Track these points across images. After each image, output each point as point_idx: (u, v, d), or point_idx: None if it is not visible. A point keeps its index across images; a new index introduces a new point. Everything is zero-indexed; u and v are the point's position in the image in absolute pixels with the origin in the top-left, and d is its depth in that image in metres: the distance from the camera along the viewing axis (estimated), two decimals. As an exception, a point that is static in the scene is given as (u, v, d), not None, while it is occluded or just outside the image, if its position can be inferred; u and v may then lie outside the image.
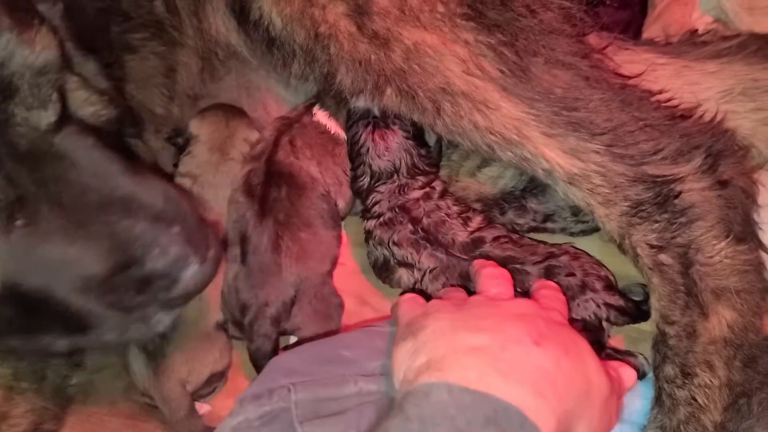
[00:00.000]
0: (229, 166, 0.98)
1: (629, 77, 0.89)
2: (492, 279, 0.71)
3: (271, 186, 0.93)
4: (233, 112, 1.02)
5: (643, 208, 0.79)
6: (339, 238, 0.97)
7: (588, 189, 0.80)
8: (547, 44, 0.82)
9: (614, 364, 0.68)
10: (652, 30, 1.07)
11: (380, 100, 0.85)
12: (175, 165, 1.00)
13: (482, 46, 0.81)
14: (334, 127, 1.01)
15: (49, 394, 0.85)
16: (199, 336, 0.89)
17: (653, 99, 0.86)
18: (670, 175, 0.79)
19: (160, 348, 0.86)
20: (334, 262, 0.96)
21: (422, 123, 0.87)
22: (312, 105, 1.02)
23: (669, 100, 0.87)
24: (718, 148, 0.81)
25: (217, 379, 0.88)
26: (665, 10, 1.07)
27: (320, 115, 1.01)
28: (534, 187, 0.94)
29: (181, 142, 1.00)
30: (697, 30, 1.04)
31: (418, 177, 0.93)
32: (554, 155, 0.80)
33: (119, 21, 0.90)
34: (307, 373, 0.64)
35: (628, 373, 0.69)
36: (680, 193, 0.79)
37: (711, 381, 0.75)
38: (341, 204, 0.99)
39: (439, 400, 0.52)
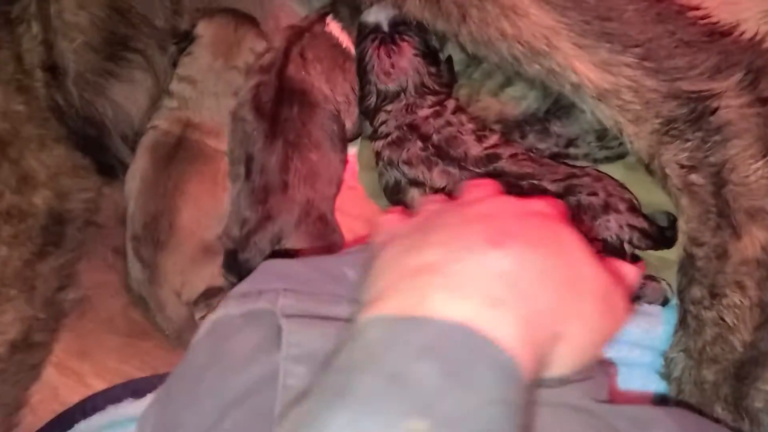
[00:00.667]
0: (232, 75, 0.93)
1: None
2: (472, 186, 0.56)
3: (283, 104, 0.89)
4: (244, 18, 0.97)
5: (676, 125, 0.74)
6: (345, 161, 0.94)
7: (618, 105, 0.75)
8: None
9: (613, 260, 0.56)
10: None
11: (402, 5, 0.80)
12: (174, 65, 0.94)
13: None
14: (345, 40, 0.95)
15: (39, 304, 0.83)
16: (195, 246, 0.85)
17: (690, 14, 0.79)
18: (706, 90, 0.73)
19: (153, 255, 0.83)
20: (340, 186, 0.92)
21: (446, 31, 0.81)
22: (325, 14, 0.96)
23: (707, 17, 0.80)
24: (759, 64, 0.75)
25: (213, 293, 0.84)
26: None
27: (333, 26, 0.95)
28: (558, 109, 0.88)
29: (185, 46, 0.94)
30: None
31: (427, 96, 0.88)
32: (584, 68, 0.75)
33: None
34: (302, 281, 0.58)
35: (630, 270, 0.57)
36: (716, 109, 0.73)
37: (741, 301, 0.71)
38: (349, 124, 0.94)
39: (370, 340, 0.40)
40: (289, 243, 0.85)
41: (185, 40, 0.94)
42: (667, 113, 0.74)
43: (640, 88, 0.74)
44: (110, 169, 0.94)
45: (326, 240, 0.87)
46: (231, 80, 0.93)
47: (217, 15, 0.95)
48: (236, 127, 0.91)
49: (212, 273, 0.85)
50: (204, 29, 0.94)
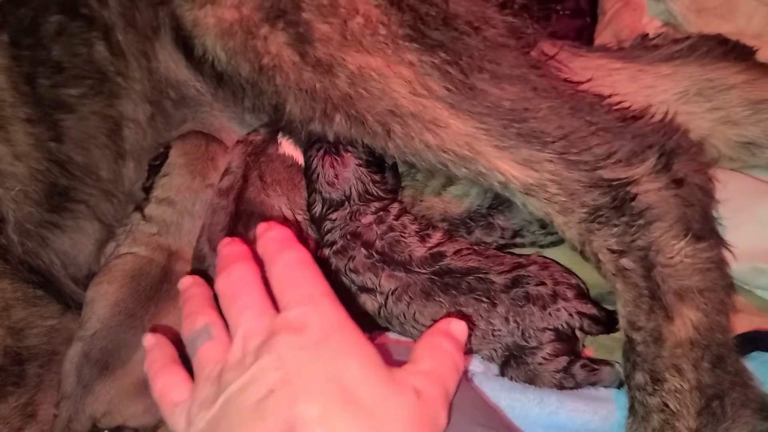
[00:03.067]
0: (208, 194, 0.94)
1: (579, 83, 0.88)
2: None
3: (237, 231, 0.89)
4: (212, 137, 0.99)
5: (601, 213, 0.77)
6: None
7: (545, 198, 0.78)
8: (493, 59, 0.82)
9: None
10: (603, 36, 1.07)
11: (330, 126, 0.83)
12: (147, 189, 0.94)
13: (427, 66, 0.80)
14: (299, 156, 0.97)
15: None
16: (135, 381, 0.83)
17: (604, 103, 0.84)
18: (625, 178, 0.77)
19: (94, 378, 0.81)
20: None
21: (374, 147, 0.85)
22: (276, 131, 0.98)
23: (620, 102, 0.86)
24: (671, 146, 0.80)
25: (123, 432, 0.81)
26: (615, 16, 1.07)
27: (285, 145, 0.97)
28: (500, 203, 0.91)
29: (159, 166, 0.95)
30: (647, 34, 1.04)
31: (371, 203, 0.90)
32: (508, 167, 0.78)
33: (49, 73, 0.86)
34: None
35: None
36: (636, 195, 0.77)
37: (681, 385, 0.72)
38: (312, 244, 0.94)
39: None
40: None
41: (160, 161, 0.95)
42: (591, 202, 0.77)
43: (563, 180, 0.77)
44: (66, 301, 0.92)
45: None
46: (208, 200, 0.94)
47: (188, 136, 0.97)
48: (195, 261, 0.90)
49: (134, 412, 0.83)
50: (178, 150, 0.95)
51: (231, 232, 0.89)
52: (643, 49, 1.02)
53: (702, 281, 0.74)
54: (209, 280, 0.86)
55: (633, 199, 0.76)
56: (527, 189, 0.78)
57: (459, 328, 0.59)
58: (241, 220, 0.90)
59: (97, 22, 0.90)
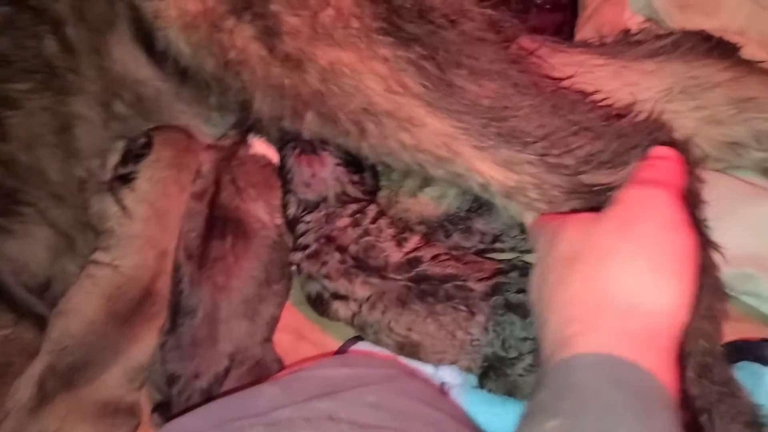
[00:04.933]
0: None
1: (561, 79, 0.84)
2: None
3: (214, 237, 0.84)
4: (188, 131, 0.93)
5: None
6: (285, 293, 0.89)
7: (524, 203, 0.75)
8: (471, 54, 0.77)
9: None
10: (584, 31, 1.04)
11: (301, 125, 0.79)
12: (123, 178, 0.87)
13: (402, 62, 0.75)
14: (273, 155, 0.92)
15: None
16: (96, 401, 0.79)
17: (587, 100, 0.81)
18: (606, 184, 0.73)
19: (55, 391, 0.77)
20: (276, 323, 0.87)
21: (347, 146, 0.81)
22: (246, 132, 0.92)
23: (604, 100, 0.82)
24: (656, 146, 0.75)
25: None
26: (597, 10, 1.04)
27: (257, 145, 0.92)
28: (479, 207, 0.88)
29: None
30: (630, 30, 1.01)
31: (348, 204, 0.86)
32: (487, 168, 0.74)
33: None
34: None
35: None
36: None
37: None
38: (290, 243, 0.89)
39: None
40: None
41: (145, 149, 0.89)
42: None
43: (543, 184, 0.73)
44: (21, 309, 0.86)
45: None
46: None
47: (168, 128, 0.91)
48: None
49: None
50: (160, 139, 0.89)
51: (206, 238, 0.85)
52: (625, 44, 0.99)
53: None
54: (181, 292, 0.83)
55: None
56: (507, 191, 0.75)
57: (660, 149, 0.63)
58: (216, 227, 0.86)
59: (46, 14, 0.83)
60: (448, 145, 0.74)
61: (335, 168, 0.87)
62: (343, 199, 0.86)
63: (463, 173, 0.75)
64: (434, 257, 0.80)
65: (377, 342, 0.81)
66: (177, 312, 0.82)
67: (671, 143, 0.78)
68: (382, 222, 0.85)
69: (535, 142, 0.73)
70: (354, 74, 0.75)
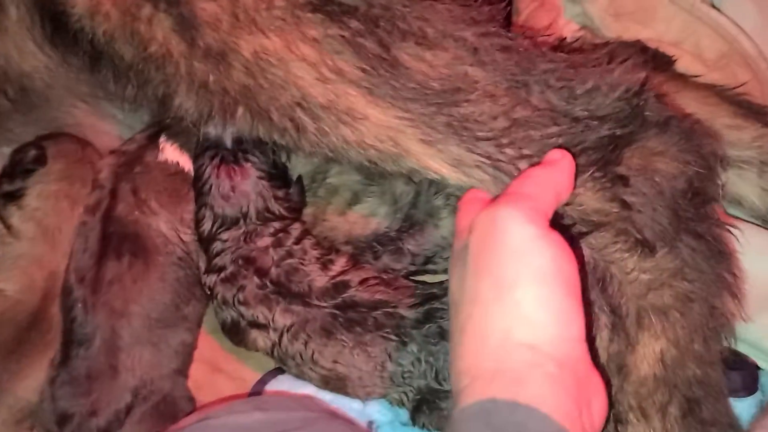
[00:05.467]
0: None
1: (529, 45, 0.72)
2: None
3: (108, 257, 0.77)
4: (82, 139, 0.84)
5: None
6: (197, 316, 0.82)
7: None
8: (421, 15, 0.67)
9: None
10: (519, 38, 0.99)
11: (232, 123, 0.70)
12: (9, 195, 0.79)
13: (335, 42, 0.66)
14: (187, 162, 0.84)
15: None
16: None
17: (559, 76, 0.68)
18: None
19: None
20: (190, 351, 0.80)
21: (286, 145, 0.72)
22: (156, 135, 0.84)
23: (572, 79, 0.69)
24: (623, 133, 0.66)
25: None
26: (531, 16, 1.00)
27: (168, 150, 0.84)
28: (411, 226, 0.82)
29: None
30: (565, 38, 0.98)
31: (270, 222, 0.79)
32: (439, 167, 0.66)
33: None
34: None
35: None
36: (571, 207, 0.65)
37: None
38: (204, 264, 0.81)
39: None
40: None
41: (35, 163, 0.80)
42: None
43: (492, 193, 0.65)
44: None
45: (176, 419, 0.74)
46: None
47: (58, 138, 0.83)
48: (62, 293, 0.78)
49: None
50: (51, 150, 0.81)
51: (100, 258, 0.77)
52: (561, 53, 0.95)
53: (664, 300, 0.62)
54: (74, 319, 0.74)
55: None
56: (464, 191, 0.67)
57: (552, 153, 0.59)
58: (111, 244, 0.78)
59: None
60: (394, 139, 0.66)
61: (258, 181, 0.80)
62: (265, 216, 0.79)
63: (417, 169, 0.67)
64: (363, 281, 0.75)
65: (300, 375, 0.75)
66: (70, 341, 0.75)
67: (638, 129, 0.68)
68: (307, 243, 0.79)
69: (487, 139, 0.65)
70: (281, 63, 0.67)
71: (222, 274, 0.77)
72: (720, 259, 0.65)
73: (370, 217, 0.83)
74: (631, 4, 1.00)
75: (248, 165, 0.79)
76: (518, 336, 0.49)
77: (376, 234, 0.82)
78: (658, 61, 0.92)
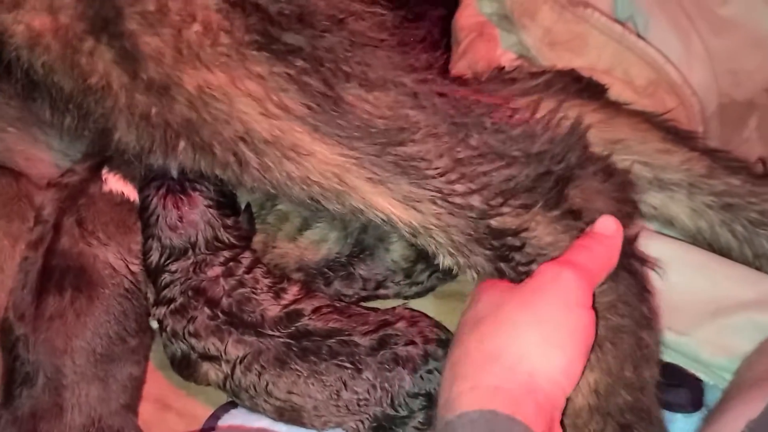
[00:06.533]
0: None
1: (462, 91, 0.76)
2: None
3: (49, 293, 0.74)
4: (15, 172, 0.82)
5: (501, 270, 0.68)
6: (145, 348, 0.80)
7: (434, 246, 0.69)
8: (362, 60, 0.69)
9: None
10: (459, 67, 1.02)
11: (174, 157, 0.69)
12: None
13: (280, 80, 0.66)
14: (131, 192, 0.83)
15: None
16: None
17: (497, 116, 0.74)
18: (515, 228, 0.67)
19: None
20: (139, 384, 0.78)
21: (229, 180, 0.71)
22: (99, 166, 0.82)
23: (513, 114, 0.76)
24: (568, 167, 0.71)
25: None
26: (470, 46, 1.03)
27: (111, 181, 0.82)
28: (361, 251, 0.83)
29: None
30: (504, 67, 1.01)
31: (220, 252, 0.78)
32: (388, 205, 0.67)
33: None
34: None
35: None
36: (525, 243, 0.68)
37: None
38: (152, 296, 0.79)
39: None
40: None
41: None
42: (480, 262, 0.68)
43: (449, 228, 0.67)
44: None
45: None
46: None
47: None
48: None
49: None
50: None
51: (39, 294, 0.74)
52: (500, 82, 0.97)
53: (599, 331, 0.63)
54: (16, 358, 0.71)
55: (521, 248, 0.67)
56: (413, 231, 0.68)
57: (607, 223, 0.67)
58: (53, 279, 0.75)
59: None
60: (339, 177, 0.66)
61: (206, 210, 0.78)
62: (215, 246, 0.78)
63: (362, 208, 0.67)
64: (316, 310, 0.74)
65: (254, 408, 0.73)
66: (13, 381, 0.72)
67: (588, 159, 0.74)
68: (258, 271, 0.78)
69: (437, 176, 0.66)
70: (225, 98, 0.66)
71: (171, 306, 0.75)
72: (646, 296, 0.70)
73: (320, 243, 0.83)
74: (564, 33, 1.04)
75: (196, 194, 0.78)
76: (531, 365, 0.57)
77: (327, 260, 0.82)
78: (592, 90, 0.96)
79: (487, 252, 0.68)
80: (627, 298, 0.67)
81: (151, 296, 0.78)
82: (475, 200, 0.67)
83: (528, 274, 0.65)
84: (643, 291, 0.69)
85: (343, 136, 0.66)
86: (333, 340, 0.72)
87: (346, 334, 0.72)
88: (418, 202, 0.66)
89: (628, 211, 0.77)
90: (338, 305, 0.76)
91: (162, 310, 0.76)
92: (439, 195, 0.66)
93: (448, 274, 0.81)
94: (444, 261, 0.70)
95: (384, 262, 0.81)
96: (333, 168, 0.66)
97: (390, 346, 0.72)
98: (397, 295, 0.83)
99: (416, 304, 0.81)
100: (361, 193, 0.67)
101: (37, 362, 0.72)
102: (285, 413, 0.72)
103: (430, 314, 0.78)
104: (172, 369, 0.77)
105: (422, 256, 0.81)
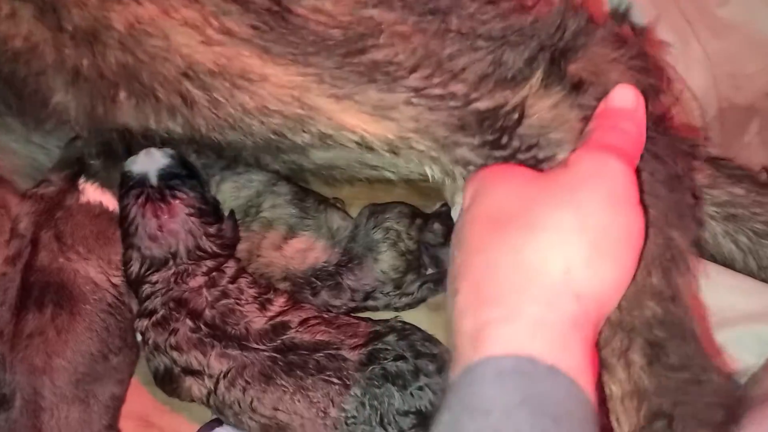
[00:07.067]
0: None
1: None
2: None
3: (28, 310, 0.72)
4: None
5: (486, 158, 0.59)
6: (128, 366, 0.77)
7: (417, 157, 0.61)
8: None
9: None
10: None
11: (115, 113, 0.64)
12: None
13: (218, 0, 0.60)
14: (111, 201, 0.80)
15: None
16: None
17: None
18: (505, 104, 0.58)
19: None
20: (120, 403, 0.76)
21: (181, 133, 0.65)
22: (76, 176, 0.79)
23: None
24: (565, 42, 0.60)
25: None
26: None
27: (89, 191, 0.79)
28: (350, 260, 0.80)
29: None
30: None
31: (203, 261, 0.75)
32: (357, 121, 0.59)
33: None
34: None
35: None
36: (522, 119, 0.58)
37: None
38: (135, 307, 0.77)
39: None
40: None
41: None
42: (466, 155, 0.59)
43: (429, 128, 0.59)
44: None
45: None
46: None
47: None
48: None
49: None
50: None
51: (19, 311, 0.72)
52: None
53: None
54: None
55: (517, 125, 0.58)
56: (391, 147, 0.61)
57: (626, 94, 0.53)
58: (32, 295, 0.73)
59: None
60: (300, 99, 0.60)
61: (187, 218, 0.76)
62: (197, 255, 0.75)
63: (331, 132, 0.61)
64: (303, 322, 0.72)
65: (239, 425, 0.71)
66: None
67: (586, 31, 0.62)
68: (243, 281, 0.75)
69: (408, 75, 0.59)
70: (160, 32, 0.60)
71: (153, 318, 0.73)
72: (678, 182, 0.59)
73: (307, 251, 0.80)
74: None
75: (176, 202, 0.76)
76: (577, 284, 0.45)
77: (314, 269, 0.80)
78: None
79: (475, 141, 0.59)
80: (652, 187, 0.56)
81: (135, 308, 0.76)
82: (457, 87, 0.58)
83: (532, 164, 0.57)
84: (673, 177, 0.58)
85: (297, 54, 0.59)
86: (320, 354, 0.69)
87: (334, 347, 0.70)
88: (390, 109, 0.59)
89: (651, 83, 0.63)
90: (326, 316, 0.74)
91: (144, 323, 0.74)
92: (413, 94, 0.58)
93: (439, 285, 0.79)
94: (431, 172, 0.62)
95: (373, 272, 0.78)
96: (291, 91, 0.60)
97: (379, 361, 0.69)
98: (386, 307, 0.80)
99: (408, 316, 0.79)
100: (326, 113, 0.60)
101: (14, 383, 0.70)
102: (270, 430, 0.70)
103: (423, 327, 0.75)
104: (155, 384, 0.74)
105: (412, 267, 0.78)
